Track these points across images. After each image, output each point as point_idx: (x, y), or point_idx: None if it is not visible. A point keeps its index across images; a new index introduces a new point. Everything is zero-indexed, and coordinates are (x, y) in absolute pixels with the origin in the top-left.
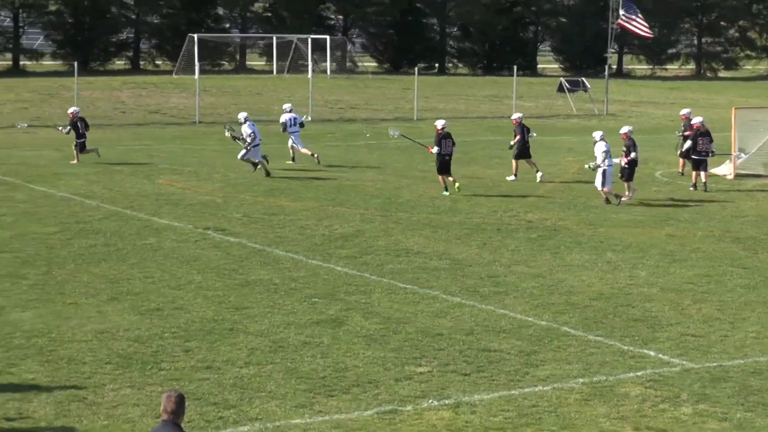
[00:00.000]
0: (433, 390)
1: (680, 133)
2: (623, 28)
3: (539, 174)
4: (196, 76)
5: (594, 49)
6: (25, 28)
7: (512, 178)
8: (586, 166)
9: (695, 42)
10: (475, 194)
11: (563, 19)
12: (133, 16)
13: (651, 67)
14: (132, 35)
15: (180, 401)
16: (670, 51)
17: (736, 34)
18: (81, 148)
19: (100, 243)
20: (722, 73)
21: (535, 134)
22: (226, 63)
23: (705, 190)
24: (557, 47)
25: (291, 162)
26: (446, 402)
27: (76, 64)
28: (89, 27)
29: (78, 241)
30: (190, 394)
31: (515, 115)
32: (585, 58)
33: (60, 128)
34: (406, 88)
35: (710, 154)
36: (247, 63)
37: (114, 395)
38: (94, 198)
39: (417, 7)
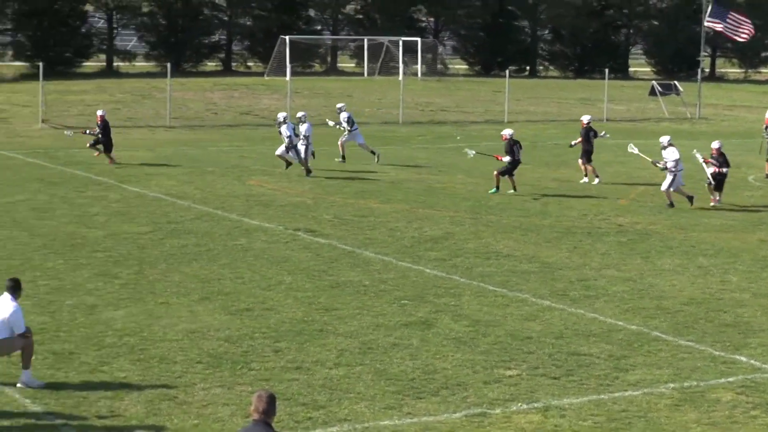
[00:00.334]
0: (522, 393)
1: (767, 135)
2: (716, 32)
3: (585, 179)
4: (288, 77)
5: (686, 52)
6: (119, 29)
7: (596, 181)
8: (659, 165)
9: None
10: (566, 197)
11: (655, 22)
12: (225, 18)
13: (744, 70)
14: (224, 37)
15: (271, 401)
16: (763, 54)
17: None
18: (107, 149)
19: (191, 243)
20: None
21: (607, 134)
22: (317, 65)
23: None
24: (649, 50)
25: (340, 160)
26: (535, 405)
27: (168, 65)
28: (182, 29)
29: (169, 241)
30: (279, 394)
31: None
32: (677, 62)
33: (87, 132)
34: (497, 91)
35: None
36: (338, 65)
37: (204, 394)
38: (185, 198)
39: (508, 9)
